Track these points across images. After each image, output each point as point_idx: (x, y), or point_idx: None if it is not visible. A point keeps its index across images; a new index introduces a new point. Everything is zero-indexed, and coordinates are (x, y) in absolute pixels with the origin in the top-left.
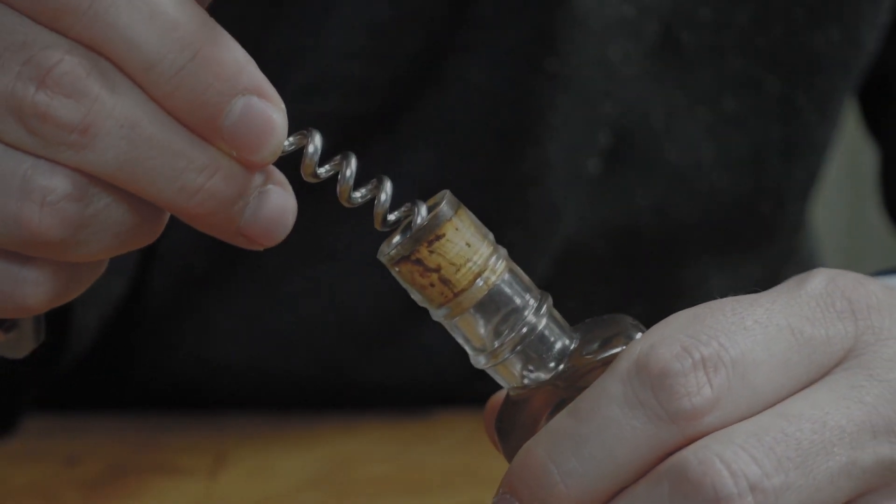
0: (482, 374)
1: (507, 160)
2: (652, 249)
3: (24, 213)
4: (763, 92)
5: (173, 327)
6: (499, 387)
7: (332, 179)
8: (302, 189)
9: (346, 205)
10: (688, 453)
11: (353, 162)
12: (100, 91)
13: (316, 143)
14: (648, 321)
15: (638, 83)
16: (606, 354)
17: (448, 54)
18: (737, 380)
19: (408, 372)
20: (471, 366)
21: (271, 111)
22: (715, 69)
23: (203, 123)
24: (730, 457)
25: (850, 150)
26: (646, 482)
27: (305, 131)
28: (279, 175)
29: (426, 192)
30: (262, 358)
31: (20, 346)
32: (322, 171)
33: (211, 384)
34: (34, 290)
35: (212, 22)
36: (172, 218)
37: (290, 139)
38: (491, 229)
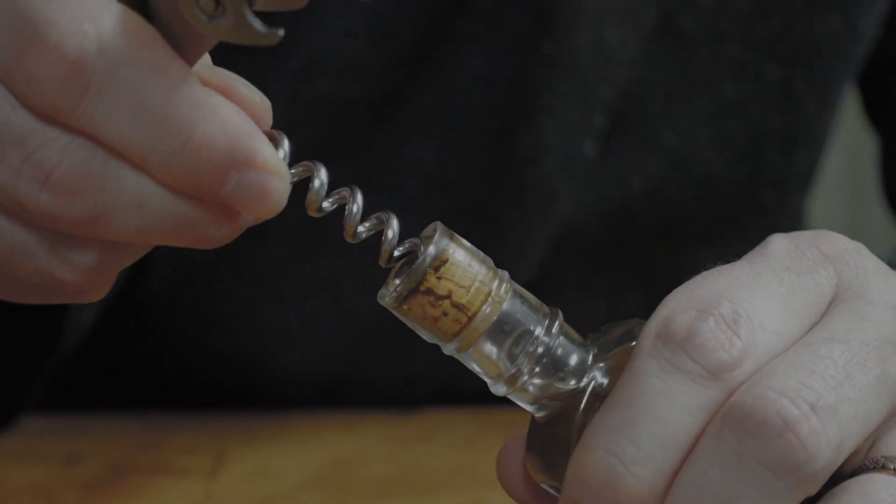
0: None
1: (503, 142)
2: (648, 233)
3: (55, 272)
4: (762, 79)
5: (173, 319)
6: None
7: (337, 212)
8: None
9: (350, 241)
10: (740, 396)
11: (360, 197)
12: (103, 184)
13: (322, 177)
14: (648, 308)
15: (635, 67)
16: (627, 345)
17: (447, 39)
18: (757, 328)
19: (408, 368)
20: None
21: (267, 180)
22: (714, 55)
23: (204, 195)
24: (781, 386)
25: (850, 145)
26: (707, 440)
27: (311, 164)
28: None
29: (426, 179)
30: (262, 352)
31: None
32: (327, 204)
33: (211, 377)
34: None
35: (203, 95)
36: None
37: (294, 170)
38: (489, 211)
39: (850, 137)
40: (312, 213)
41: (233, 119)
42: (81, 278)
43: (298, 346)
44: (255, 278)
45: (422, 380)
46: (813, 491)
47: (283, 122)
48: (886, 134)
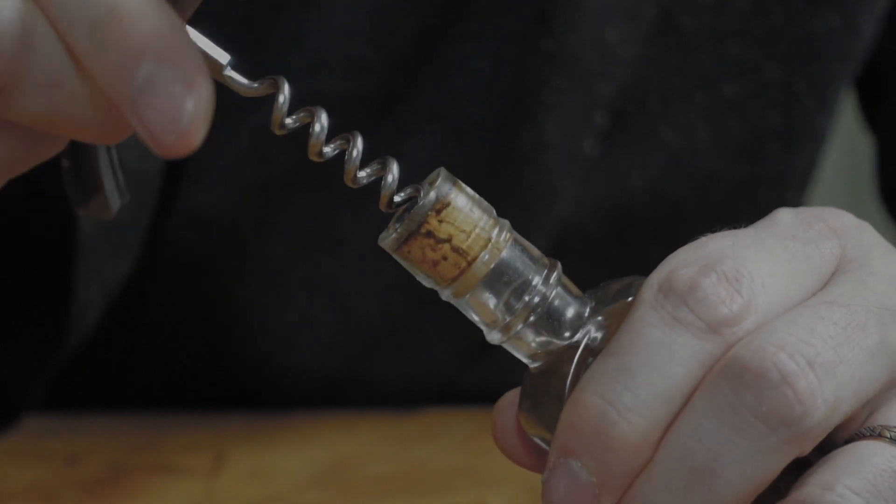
0: (483, 372)
1: (504, 139)
2: (648, 231)
3: None
4: (762, 77)
5: (173, 319)
6: (505, 382)
7: (337, 159)
8: (303, 180)
9: (351, 185)
10: (738, 349)
11: (360, 142)
12: (23, 49)
13: (322, 121)
14: None
15: (635, 65)
16: (626, 300)
17: (447, 37)
18: (759, 288)
19: (409, 367)
20: (472, 364)
21: (183, 90)
22: (714, 53)
23: (114, 91)
24: (780, 341)
25: (848, 143)
26: (703, 392)
27: (312, 109)
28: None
29: (426, 175)
30: (263, 351)
31: (104, 209)
32: (328, 150)
33: (211, 377)
34: None
35: None
36: (174, 210)
37: (295, 116)
38: None
39: (848, 136)
40: (314, 158)
41: (167, 11)
42: None
43: (298, 346)
44: (255, 278)
45: (422, 380)
46: (806, 449)
47: None
48: (883, 134)
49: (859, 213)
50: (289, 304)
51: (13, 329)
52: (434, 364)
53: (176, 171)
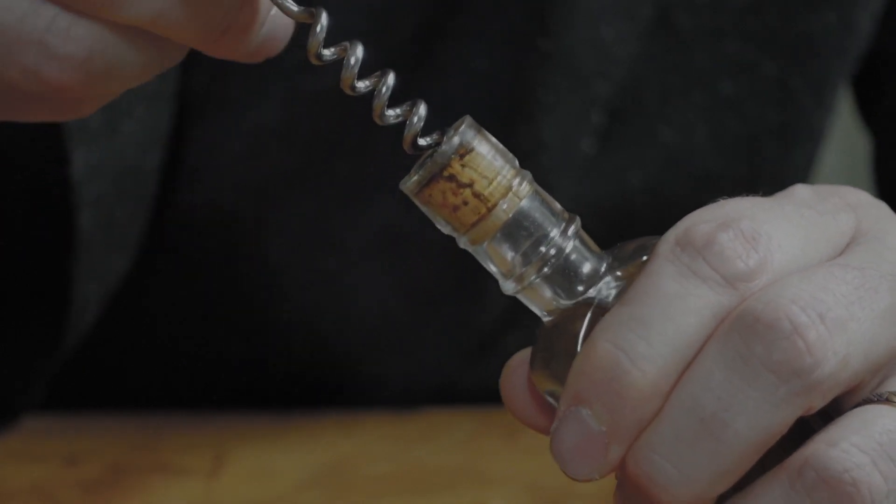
0: (483, 372)
1: (501, 138)
2: (647, 229)
3: (42, 71)
4: (759, 75)
5: (173, 318)
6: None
7: (369, 96)
8: (303, 180)
9: (378, 122)
10: (751, 301)
11: (391, 79)
12: None
13: (357, 54)
14: None
15: (632, 64)
16: (643, 259)
17: (443, 35)
18: (776, 247)
19: (409, 367)
20: (472, 364)
21: None
22: (710, 52)
23: None
24: (793, 295)
25: (845, 141)
26: (714, 342)
27: (347, 43)
28: None
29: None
30: (262, 351)
31: None
32: (360, 85)
33: (211, 377)
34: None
35: None
36: (172, 208)
37: (332, 49)
38: None
39: (845, 134)
40: (346, 91)
41: None
42: (67, 77)
43: (298, 346)
44: (254, 277)
45: (422, 380)
46: (815, 403)
47: (282, 118)
48: (880, 132)
49: None
50: (288, 305)
51: (11, 327)
52: (434, 364)
53: (174, 168)
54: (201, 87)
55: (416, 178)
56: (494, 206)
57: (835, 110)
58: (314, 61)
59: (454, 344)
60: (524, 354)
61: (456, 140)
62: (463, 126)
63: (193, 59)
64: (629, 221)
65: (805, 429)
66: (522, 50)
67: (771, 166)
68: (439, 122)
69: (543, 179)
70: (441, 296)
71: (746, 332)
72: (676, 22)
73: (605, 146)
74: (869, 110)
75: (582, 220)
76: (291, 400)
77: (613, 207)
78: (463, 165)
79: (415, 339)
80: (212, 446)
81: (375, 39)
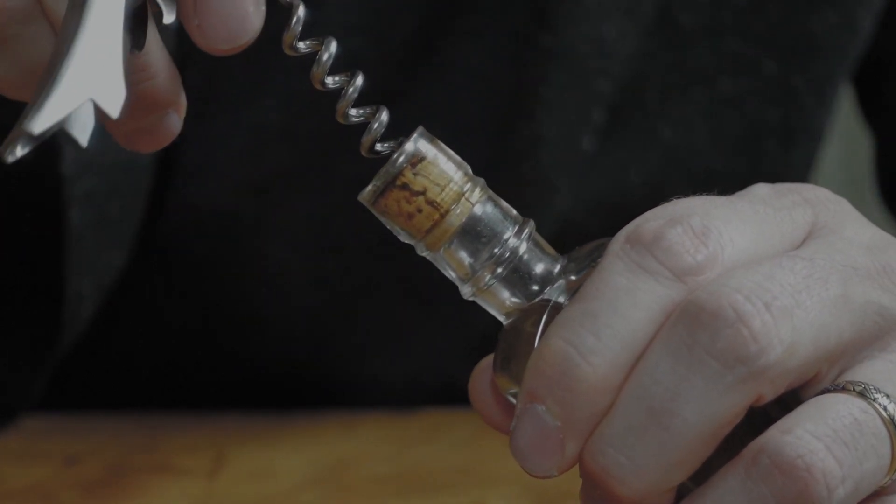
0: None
1: (501, 136)
2: None
3: None
4: (759, 74)
5: (173, 319)
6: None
7: (336, 93)
8: (303, 179)
9: (340, 120)
10: (697, 292)
11: (360, 80)
12: None
13: (331, 50)
14: None
15: (633, 61)
16: (598, 260)
17: (445, 33)
18: (726, 242)
19: (409, 367)
20: (472, 364)
21: None
22: (711, 50)
23: None
24: (737, 284)
25: (846, 140)
26: (661, 334)
27: (323, 38)
28: None
29: None
30: (262, 351)
31: None
32: (329, 81)
33: (211, 377)
34: None
35: None
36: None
37: (307, 42)
38: None
39: (846, 132)
40: (315, 85)
41: None
42: None
43: (298, 346)
44: (253, 276)
45: (422, 380)
46: (764, 392)
47: (281, 117)
48: (882, 131)
49: (858, 210)
50: (288, 303)
51: (7, 323)
52: (434, 364)
53: (170, 164)
54: (200, 86)
55: (370, 188)
56: (447, 211)
57: (836, 109)
58: (288, 51)
59: (454, 344)
60: (489, 359)
61: (408, 148)
62: (415, 135)
63: (192, 59)
64: (629, 219)
65: (768, 423)
66: (523, 47)
67: (771, 165)
68: (441, 118)
69: (543, 177)
70: (441, 296)
71: (691, 322)
72: (677, 20)
73: (605, 144)
74: (870, 108)
75: (582, 218)
76: (291, 400)
77: (613, 205)
78: (415, 174)
79: (415, 339)
80: (212, 446)
81: (377, 36)
